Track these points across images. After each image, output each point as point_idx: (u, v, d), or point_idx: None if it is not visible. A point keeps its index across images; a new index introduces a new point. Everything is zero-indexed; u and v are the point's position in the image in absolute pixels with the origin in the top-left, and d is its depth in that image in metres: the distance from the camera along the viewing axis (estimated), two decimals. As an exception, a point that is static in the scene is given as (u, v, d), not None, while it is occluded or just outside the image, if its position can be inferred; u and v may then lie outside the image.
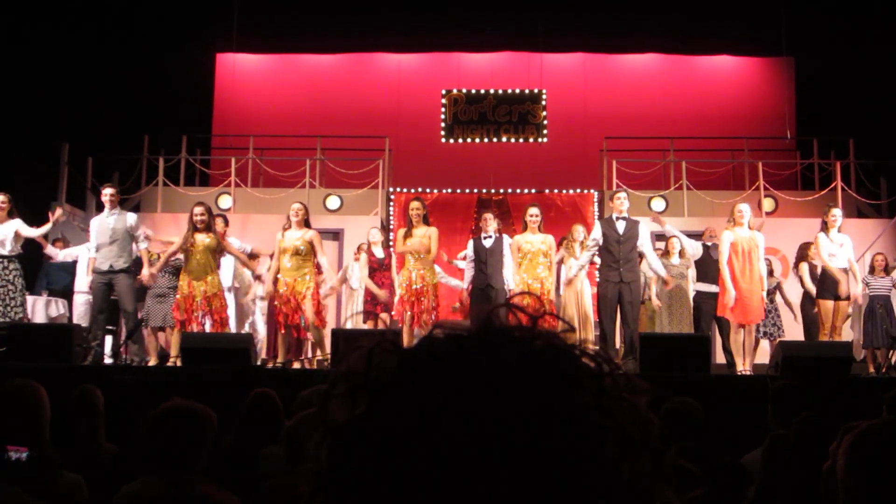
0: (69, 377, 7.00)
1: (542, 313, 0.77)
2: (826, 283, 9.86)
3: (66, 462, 3.49)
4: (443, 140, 17.08)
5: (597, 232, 9.80)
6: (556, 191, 15.95)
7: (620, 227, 9.59)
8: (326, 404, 0.75)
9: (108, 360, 10.33)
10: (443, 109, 17.14)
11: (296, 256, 9.53)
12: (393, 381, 0.73)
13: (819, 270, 10.17)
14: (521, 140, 17.09)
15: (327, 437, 0.74)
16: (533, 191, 16.04)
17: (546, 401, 0.70)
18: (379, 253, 10.87)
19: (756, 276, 9.32)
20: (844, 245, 9.76)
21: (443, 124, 17.12)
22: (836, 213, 9.95)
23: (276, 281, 9.58)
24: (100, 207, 14.27)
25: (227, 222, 11.13)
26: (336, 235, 14.05)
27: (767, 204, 14.48)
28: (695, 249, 10.84)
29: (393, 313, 10.16)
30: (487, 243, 10.03)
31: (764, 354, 11.20)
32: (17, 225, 10.05)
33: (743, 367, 9.37)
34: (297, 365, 10.31)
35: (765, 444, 3.52)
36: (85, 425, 4.53)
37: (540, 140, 17.00)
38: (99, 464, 4.15)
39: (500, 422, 0.68)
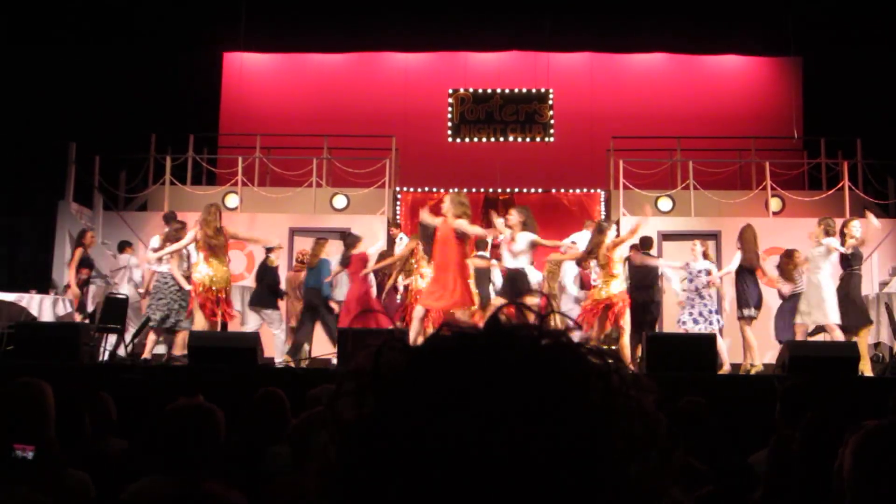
0: (76, 376, 7.03)
1: (549, 312, 0.77)
2: None
3: (73, 460, 3.49)
4: (449, 139, 17.08)
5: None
6: (562, 190, 15.96)
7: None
8: (335, 402, 0.75)
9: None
10: (450, 109, 17.14)
11: None
12: (401, 380, 0.73)
13: None
14: (527, 139, 17.09)
15: (336, 434, 0.74)
16: (540, 190, 16.04)
17: (553, 399, 0.70)
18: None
19: (450, 262, 9.13)
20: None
21: (450, 123, 17.13)
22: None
23: None
24: (107, 207, 14.35)
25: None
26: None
27: (775, 204, 14.44)
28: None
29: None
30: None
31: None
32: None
33: None
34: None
35: (770, 444, 3.51)
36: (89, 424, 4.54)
37: (547, 139, 16.99)
38: (106, 462, 4.16)
39: (506, 420, 0.68)
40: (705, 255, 11.16)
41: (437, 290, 9.11)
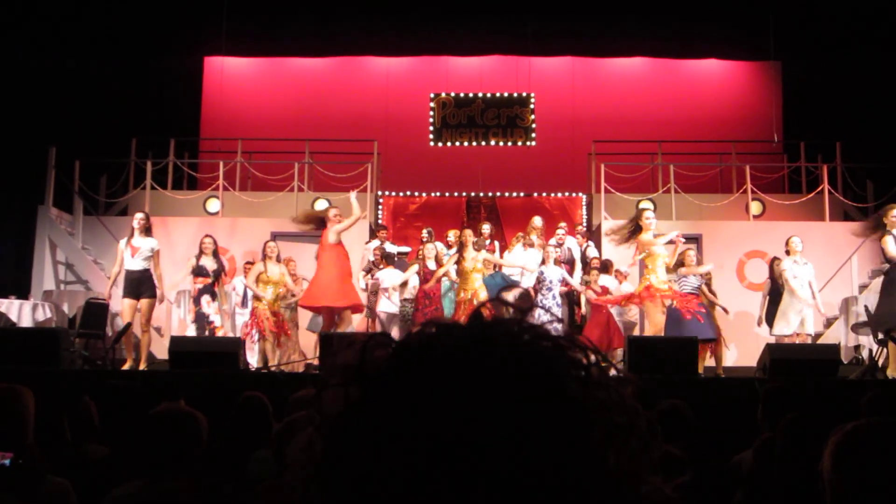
0: (57, 381, 6.98)
1: (529, 307, 0.78)
2: None
3: (56, 466, 3.46)
4: (431, 143, 17.06)
5: None
6: (544, 194, 16.00)
7: None
8: (320, 397, 0.76)
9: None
10: (431, 113, 17.10)
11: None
12: (385, 374, 0.74)
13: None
14: (509, 144, 17.08)
15: (321, 427, 0.75)
16: (521, 194, 16.08)
17: (534, 390, 0.71)
18: (432, 265, 11.07)
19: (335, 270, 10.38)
20: None
21: (431, 128, 17.10)
22: None
23: None
24: (87, 212, 14.25)
25: None
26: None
27: (755, 207, 14.53)
28: None
29: None
30: None
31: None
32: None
33: None
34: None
35: (755, 446, 3.53)
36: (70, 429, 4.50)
37: (528, 143, 16.98)
38: (87, 468, 4.13)
39: (489, 411, 0.69)
40: (557, 262, 11.04)
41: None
